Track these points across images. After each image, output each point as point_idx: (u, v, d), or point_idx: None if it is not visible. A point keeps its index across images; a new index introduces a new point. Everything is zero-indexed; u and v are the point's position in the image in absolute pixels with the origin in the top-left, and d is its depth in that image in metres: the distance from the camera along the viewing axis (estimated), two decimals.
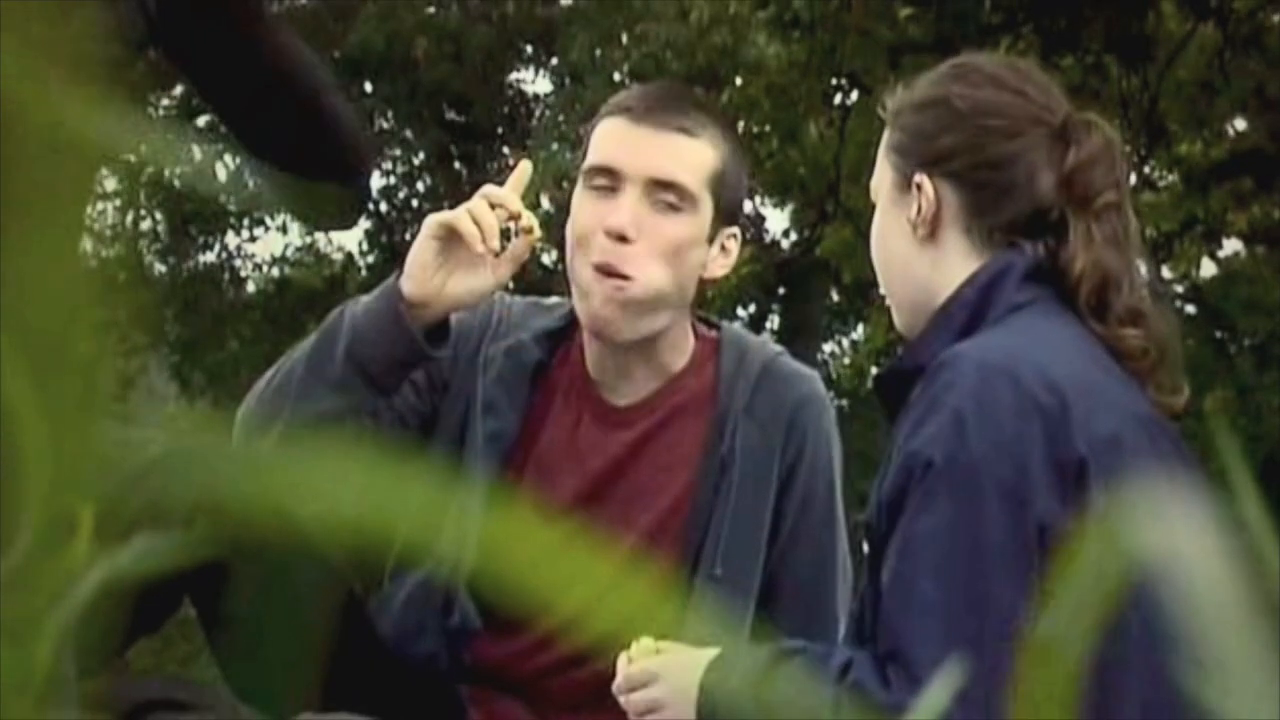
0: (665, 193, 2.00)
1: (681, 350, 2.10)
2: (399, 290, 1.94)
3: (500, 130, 14.46)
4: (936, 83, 1.75)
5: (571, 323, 2.12)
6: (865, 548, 1.62)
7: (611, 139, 2.03)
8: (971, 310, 1.65)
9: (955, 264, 1.69)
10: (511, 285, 2.23)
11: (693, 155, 2.02)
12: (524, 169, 2.04)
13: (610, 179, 2.01)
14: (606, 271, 1.98)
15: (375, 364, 1.94)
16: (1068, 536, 1.46)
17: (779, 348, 2.18)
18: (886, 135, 1.78)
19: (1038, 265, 1.67)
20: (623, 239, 1.98)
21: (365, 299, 1.99)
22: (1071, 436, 1.51)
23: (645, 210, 1.99)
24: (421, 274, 1.93)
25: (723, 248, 2.08)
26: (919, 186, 1.70)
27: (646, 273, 1.99)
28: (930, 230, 1.70)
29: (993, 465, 1.49)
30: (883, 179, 1.77)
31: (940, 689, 1.09)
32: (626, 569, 0.36)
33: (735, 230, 2.11)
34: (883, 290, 1.80)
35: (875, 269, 1.80)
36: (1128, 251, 1.68)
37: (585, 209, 2.02)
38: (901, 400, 1.60)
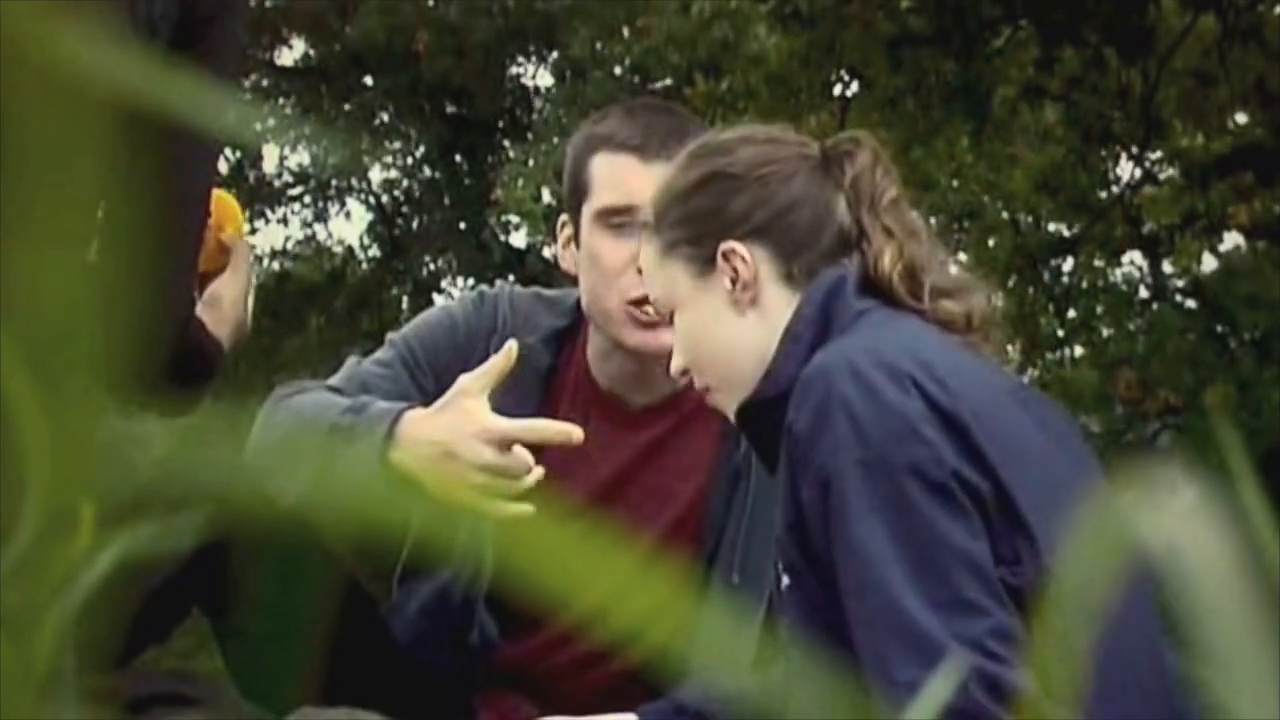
0: None
1: None
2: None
3: (501, 124, 14.44)
4: (691, 167, 1.76)
5: (578, 320, 2.12)
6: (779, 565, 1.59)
7: (626, 178, 2.03)
8: (817, 324, 1.66)
9: (783, 313, 1.69)
10: (512, 278, 2.22)
11: None
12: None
13: (632, 216, 2.00)
14: (645, 301, 1.97)
15: None
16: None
17: None
18: (658, 243, 1.76)
19: (863, 277, 1.69)
20: None
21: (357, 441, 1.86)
22: (952, 407, 1.51)
23: None
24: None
25: None
26: (730, 254, 1.70)
27: None
28: (753, 294, 1.70)
29: (898, 450, 1.49)
30: (674, 281, 1.75)
31: (940, 686, 1.09)
32: (643, 567, 0.36)
33: None
34: (708, 386, 1.74)
35: (696, 369, 1.74)
36: (924, 241, 1.73)
37: (608, 246, 2.03)
38: (773, 429, 1.59)
